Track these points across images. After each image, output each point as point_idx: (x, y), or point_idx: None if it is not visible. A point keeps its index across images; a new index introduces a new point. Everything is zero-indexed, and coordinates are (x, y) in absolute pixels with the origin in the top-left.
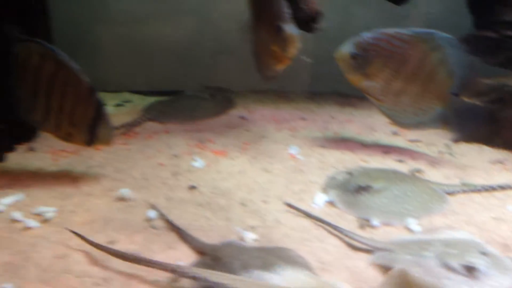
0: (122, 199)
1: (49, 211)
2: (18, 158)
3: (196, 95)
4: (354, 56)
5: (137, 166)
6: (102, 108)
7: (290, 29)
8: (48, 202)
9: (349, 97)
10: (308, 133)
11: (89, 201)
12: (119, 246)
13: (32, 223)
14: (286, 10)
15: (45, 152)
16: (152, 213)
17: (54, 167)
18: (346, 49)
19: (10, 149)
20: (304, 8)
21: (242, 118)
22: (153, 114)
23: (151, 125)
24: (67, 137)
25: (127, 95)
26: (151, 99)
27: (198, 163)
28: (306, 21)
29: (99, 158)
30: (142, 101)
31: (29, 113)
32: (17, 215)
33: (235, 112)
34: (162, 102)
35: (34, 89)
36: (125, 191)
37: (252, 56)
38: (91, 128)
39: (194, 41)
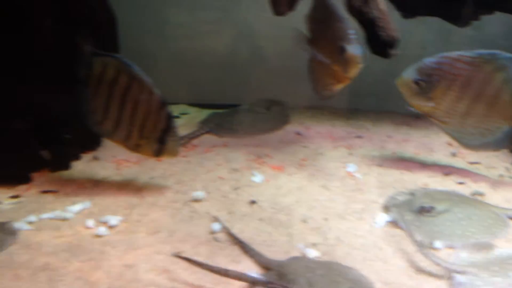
0: (196, 200)
1: (116, 219)
2: (83, 166)
3: (253, 109)
4: (417, 82)
5: (198, 178)
6: (172, 121)
7: (353, 49)
8: (114, 211)
9: (404, 116)
10: (365, 152)
11: (154, 211)
12: None
13: (101, 231)
14: (349, 29)
15: (109, 161)
16: (216, 226)
17: (118, 177)
18: (409, 75)
19: (76, 157)
20: (382, 35)
21: (298, 134)
22: (211, 127)
23: (208, 138)
24: (136, 148)
25: (184, 107)
26: (208, 112)
27: (257, 178)
28: (383, 47)
29: (160, 169)
30: (199, 114)
31: (99, 124)
32: (88, 222)
33: (291, 128)
34: (219, 115)
35: (107, 101)
36: (199, 194)
37: (309, 73)
38: (160, 140)
39: (250, 56)
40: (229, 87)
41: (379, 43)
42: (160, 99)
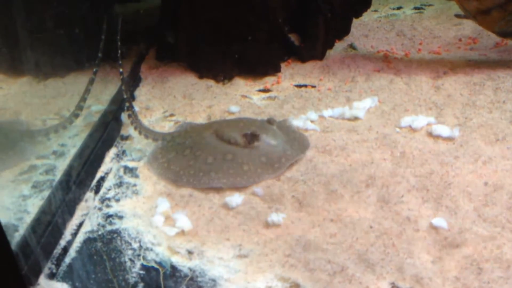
0: None
1: (424, 121)
2: (340, 55)
3: None
4: None
5: None
6: None
7: None
8: (413, 111)
9: None
10: None
11: (475, 113)
12: None
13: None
14: None
15: (369, 51)
16: None
17: (391, 70)
18: None
19: (330, 46)
20: None
21: None
22: None
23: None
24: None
25: None
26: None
27: None
28: None
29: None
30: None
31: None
32: (384, 121)
33: None
34: None
35: None
36: None
37: None
38: None
39: None
40: None
41: None
42: None
